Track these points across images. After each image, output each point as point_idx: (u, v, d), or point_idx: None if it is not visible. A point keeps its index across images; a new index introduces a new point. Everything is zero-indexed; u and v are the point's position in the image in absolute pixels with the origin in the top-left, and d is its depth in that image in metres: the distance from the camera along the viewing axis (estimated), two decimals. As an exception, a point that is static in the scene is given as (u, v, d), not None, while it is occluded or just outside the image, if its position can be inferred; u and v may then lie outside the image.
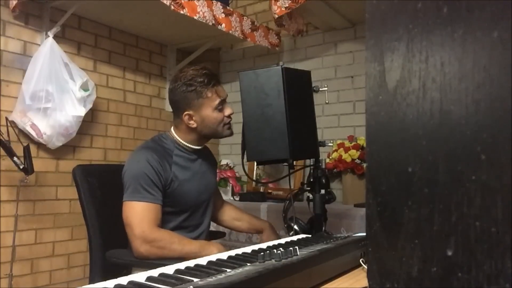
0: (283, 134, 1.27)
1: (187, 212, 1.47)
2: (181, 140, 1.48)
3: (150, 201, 1.34)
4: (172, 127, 1.52)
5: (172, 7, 2.05)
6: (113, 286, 0.62)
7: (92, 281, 1.52)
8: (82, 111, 2.21)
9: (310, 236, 1.22)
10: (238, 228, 1.77)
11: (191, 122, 1.45)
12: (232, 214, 1.76)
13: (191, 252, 1.29)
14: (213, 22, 2.29)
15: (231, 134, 1.53)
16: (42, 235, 2.22)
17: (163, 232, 1.35)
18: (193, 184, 1.48)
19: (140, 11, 2.33)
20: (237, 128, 1.45)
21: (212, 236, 1.76)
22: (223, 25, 2.37)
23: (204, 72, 1.44)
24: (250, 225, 1.73)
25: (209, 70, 1.47)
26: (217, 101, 1.44)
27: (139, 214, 1.32)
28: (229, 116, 1.49)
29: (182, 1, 2.09)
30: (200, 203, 1.52)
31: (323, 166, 1.47)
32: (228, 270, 0.69)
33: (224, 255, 0.86)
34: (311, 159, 1.49)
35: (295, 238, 1.16)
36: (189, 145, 1.49)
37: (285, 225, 1.49)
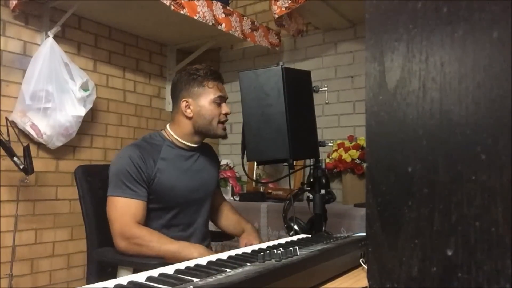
0: (283, 134, 1.27)
1: (175, 209, 1.46)
2: (175, 136, 1.49)
3: (131, 197, 1.35)
4: (168, 124, 1.53)
5: (172, 7, 2.05)
6: (113, 286, 0.62)
7: (88, 280, 1.52)
8: (82, 111, 2.21)
9: (310, 236, 1.22)
10: (226, 229, 1.72)
11: (188, 110, 1.47)
12: (224, 215, 1.73)
13: (169, 251, 1.29)
14: (213, 22, 2.29)
15: (225, 136, 1.54)
16: (42, 235, 2.22)
17: (143, 229, 1.34)
18: (182, 180, 1.47)
19: (140, 11, 2.33)
20: (237, 128, 1.46)
21: (217, 237, 1.75)
22: (223, 25, 2.37)
23: (208, 67, 1.51)
24: (234, 228, 1.69)
25: (213, 68, 1.54)
26: (217, 94, 1.48)
27: (119, 209, 1.33)
28: (225, 115, 1.50)
29: (182, 1, 2.09)
30: (191, 201, 1.50)
31: (323, 166, 1.47)
32: (228, 270, 0.69)
33: (224, 255, 0.86)
34: (311, 159, 1.49)
35: (295, 238, 1.16)
36: (184, 142, 1.49)
37: (285, 225, 1.49)
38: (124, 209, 1.34)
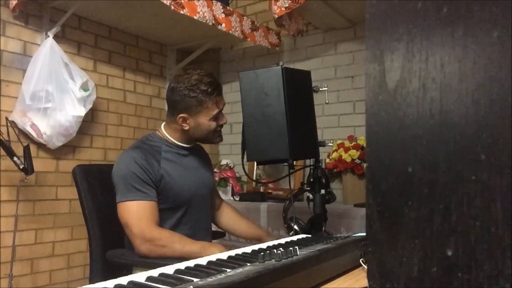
0: (283, 134, 1.27)
1: (183, 207, 1.47)
2: (171, 138, 1.49)
3: (144, 199, 1.34)
4: (163, 125, 1.52)
5: (172, 7, 2.05)
6: (113, 286, 0.62)
7: (92, 281, 1.51)
8: (82, 111, 2.21)
9: (310, 236, 1.22)
10: (235, 233, 1.73)
11: (184, 124, 1.45)
12: (230, 217, 1.73)
13: (192, 252, 1.29)
14: (213, 22, 2.29)
15: (221, 140, 1.54)
16: (42, 235, 2.22)
17: (163, 230, 1.35)
18: (187, 178, 1.47)
19: (140, 11, 2.33)
20: (237, 128, 1.45)
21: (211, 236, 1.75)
22: (223, 25, 2.37)
23: (208, 81, 1.43)
24: (247, 232, 1.69)
25: (213, 79, 1.46)
26: (215, 112, 1.44)
27: (135, 213, 1.32)
28: (221, 125, 1.49)
29: (182, 1, 2.09)
30: (196, 198, 1.51)
31: (323, 166, 1.47)
32: (228, 270, 0.69)
33: (224, 255, 0.86)
34: (311, 159, 1.49)
35: (295, 238, 1.16)
36: (179, 143, 1.50)
37: (285, 225, 1.49)
38: (140, 213, 1.32)
